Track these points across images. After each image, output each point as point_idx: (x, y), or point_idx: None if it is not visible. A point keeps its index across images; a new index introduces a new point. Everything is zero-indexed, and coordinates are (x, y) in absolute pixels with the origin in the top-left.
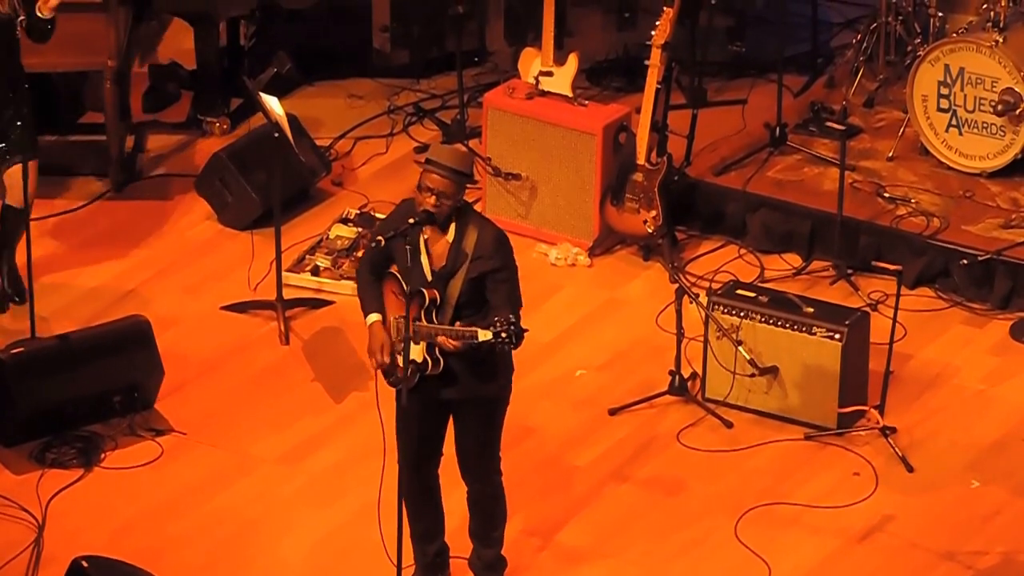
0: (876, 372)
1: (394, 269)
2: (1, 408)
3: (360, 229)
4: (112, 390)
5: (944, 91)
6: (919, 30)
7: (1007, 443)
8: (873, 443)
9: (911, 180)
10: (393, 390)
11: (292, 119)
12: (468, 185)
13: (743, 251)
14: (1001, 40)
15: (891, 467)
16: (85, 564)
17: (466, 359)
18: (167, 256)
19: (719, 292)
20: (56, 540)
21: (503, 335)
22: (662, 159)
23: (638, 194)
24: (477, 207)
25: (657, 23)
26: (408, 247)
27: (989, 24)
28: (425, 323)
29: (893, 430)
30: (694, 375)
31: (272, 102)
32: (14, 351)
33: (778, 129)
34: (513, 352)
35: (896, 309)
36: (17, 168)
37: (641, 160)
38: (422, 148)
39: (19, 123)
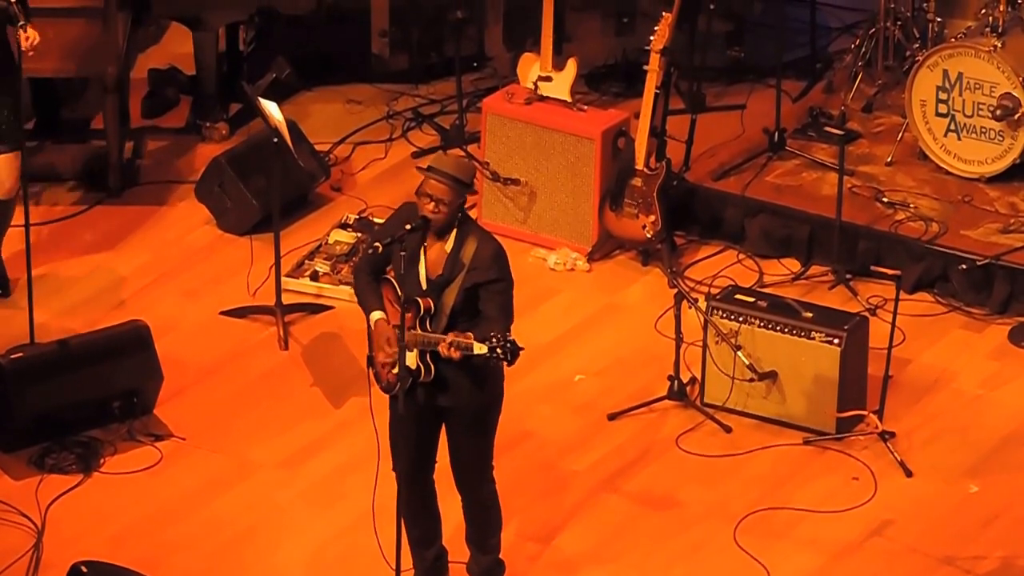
0: (875, 377)
1: (390, 274)
2: (0, 413)
3: (359, 234)
4: (111, 395)
5: (943, 96)
6: (918, 35)
7: (1006, 447)
8: (872, 448)
9: (910, 185)
10: (387, 397)
11: (291, 124)
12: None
13: (742, 256)
14: (1000, 45)
15: (890, 472)
16: (84, 569)
17: (458, 367)
18: (166, 261)
19: (718, 297)
20: (55, 545)
21: (498, 351)
22: (661, 164)
23: (637, 199)
24: (472, 213)
25: (656, 28)
26: (404, 253)
27: (988, 29)
28: (420, 331)
29: (892, 435)
30: (693, 380)
31: (271, 107)
32: (13, 356)
33: (777, 134)
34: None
35: (895, 314)
36: (2, 159)
37: (640, 165)
38: (421, 153)
39: (5, 111)
